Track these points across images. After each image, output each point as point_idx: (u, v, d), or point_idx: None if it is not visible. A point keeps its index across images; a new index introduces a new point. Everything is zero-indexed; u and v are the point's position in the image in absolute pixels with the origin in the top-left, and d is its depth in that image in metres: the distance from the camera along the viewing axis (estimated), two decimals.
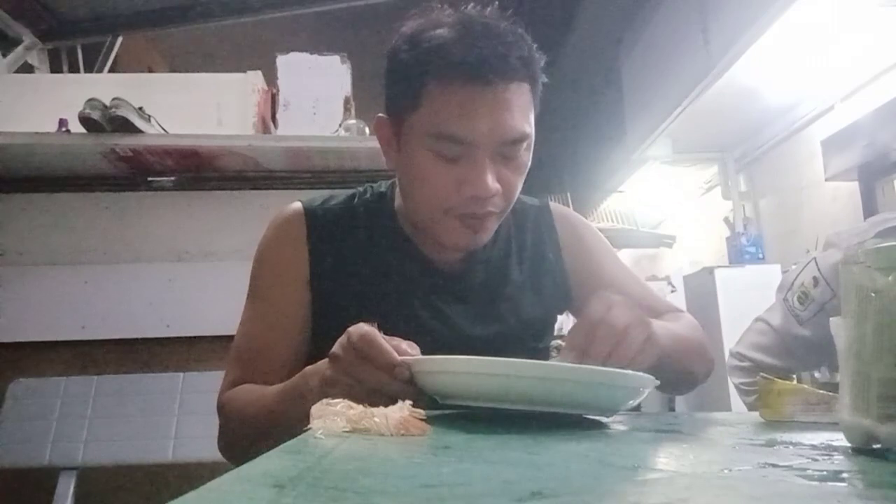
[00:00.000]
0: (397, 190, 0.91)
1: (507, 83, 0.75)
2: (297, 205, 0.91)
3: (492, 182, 0.76)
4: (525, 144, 0.79)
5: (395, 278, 0.87)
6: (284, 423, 0.67)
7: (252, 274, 0.91)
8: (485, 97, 0.74)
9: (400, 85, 0.79)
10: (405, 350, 0.62)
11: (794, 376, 1.45)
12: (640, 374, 0.59)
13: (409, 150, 0.79)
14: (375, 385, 0.61)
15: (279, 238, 0.89)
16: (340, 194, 0.93)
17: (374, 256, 0.88)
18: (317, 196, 0.93)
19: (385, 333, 0.65)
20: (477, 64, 0.73)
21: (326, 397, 0.62)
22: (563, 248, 0.96)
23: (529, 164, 0.82)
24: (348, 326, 0.68)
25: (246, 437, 0.80)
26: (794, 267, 1.41)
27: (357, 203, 0.92)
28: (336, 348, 0.64)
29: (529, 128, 0.79)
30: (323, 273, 0.87)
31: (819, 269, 1.29)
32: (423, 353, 0.66)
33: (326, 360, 0.65)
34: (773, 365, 1.37)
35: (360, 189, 0.95)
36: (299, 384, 0.70)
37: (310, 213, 0.89)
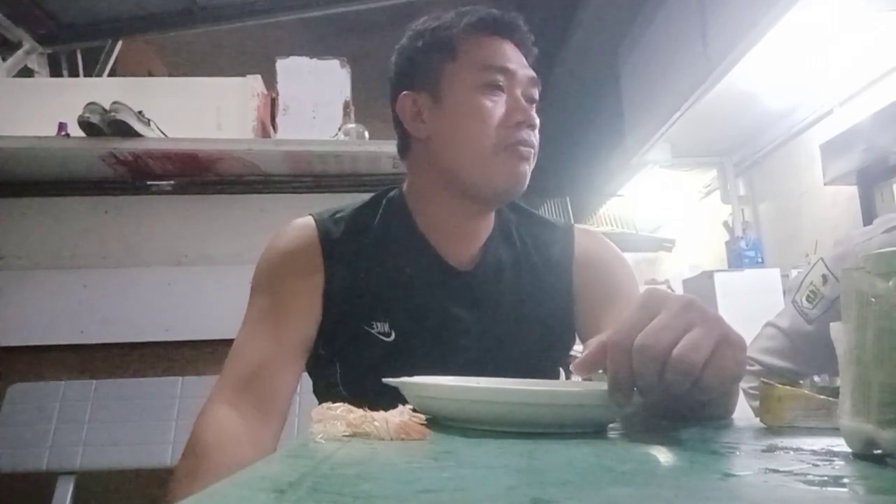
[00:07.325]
0: (408, 190, 0.93)
1: (521, 45, 0.89)
2: (308, 218, 0.91)
3: (532, 112, 0.86)
4: (537, 92, 0.89)
5: (409, 276, 0.88)
6: None
7: (259, 279, 0.89)
8: (508, 45, 0.88)
9: (429, 51, 0.88)
10: None
11: (802, 381, 1.44)
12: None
13: (454, 100, 0.86)
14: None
15: (294, 250, 0.88)
16: (348, 206, 0.94)
17: (388, 256, 0.89)
18: (323, 210, 0.94)
19: (397, 331, 0.71)
20: (500, 17, 0.88)
21: None
22: (575, 261, 0.95)
23: None
24: (358, 326, 0.70)
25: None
26: (797, 271, 1.41)
27: (367, 209, 0.93)
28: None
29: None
30: (338, 281, 0.87)
31: (828, 267, 1.30)
32: (434, 353, 0.65)
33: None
34: (784, 367, 1.37)
35: (367, 198, 0.96)
36: None
37: (321, 225, 0.90)
